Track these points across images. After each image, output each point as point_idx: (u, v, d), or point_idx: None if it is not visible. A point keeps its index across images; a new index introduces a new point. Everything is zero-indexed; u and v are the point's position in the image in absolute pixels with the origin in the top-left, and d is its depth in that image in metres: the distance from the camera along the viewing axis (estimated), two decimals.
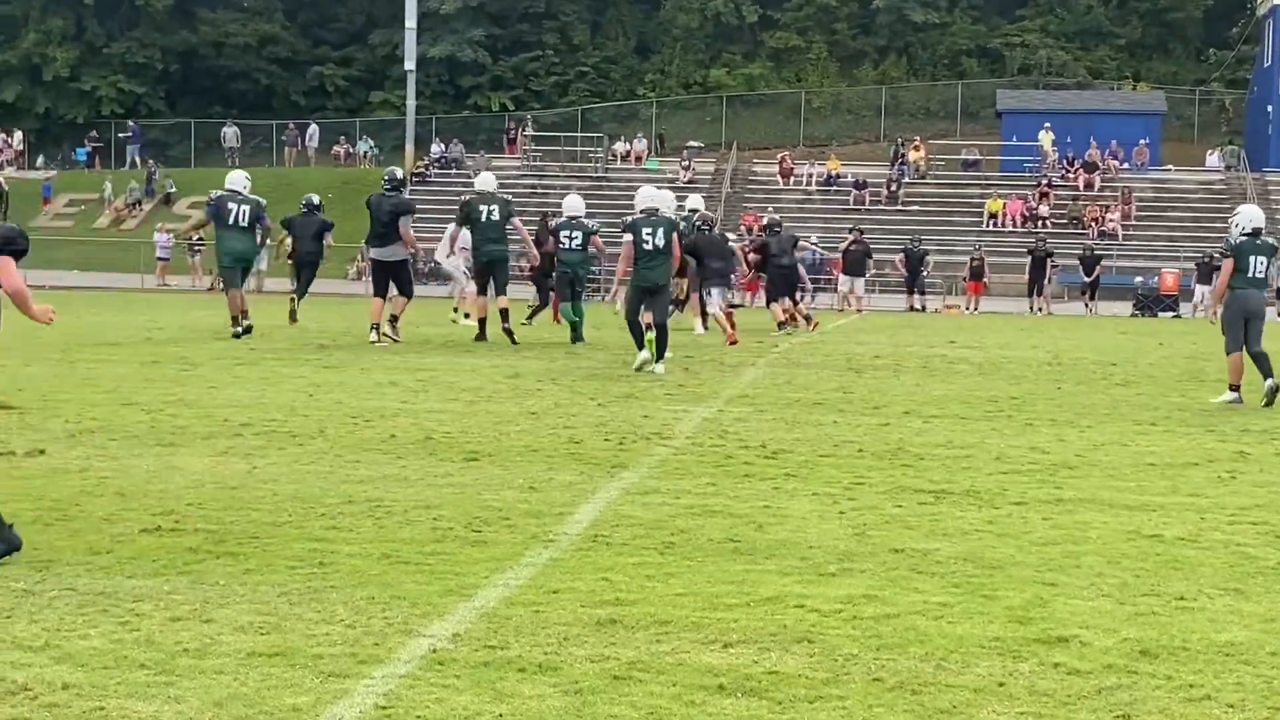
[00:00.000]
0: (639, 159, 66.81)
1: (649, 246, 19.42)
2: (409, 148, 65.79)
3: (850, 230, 47.47)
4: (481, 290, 24.46)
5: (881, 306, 46.91)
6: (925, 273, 48.17)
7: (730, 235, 33.58)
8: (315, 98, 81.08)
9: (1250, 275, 17.40)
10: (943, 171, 64.92)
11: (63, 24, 79.22)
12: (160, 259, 54.37)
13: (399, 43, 69.25)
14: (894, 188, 62.10)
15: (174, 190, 67.25)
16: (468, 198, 25.62)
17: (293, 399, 15.30)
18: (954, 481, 10.85)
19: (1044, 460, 12.11)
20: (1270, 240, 17.86)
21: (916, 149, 64.50)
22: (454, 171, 65.30)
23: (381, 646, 6.27)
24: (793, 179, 64.04)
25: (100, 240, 62.59)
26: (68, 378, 17.06)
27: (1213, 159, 64.54)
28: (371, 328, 23.20)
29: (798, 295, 31.43)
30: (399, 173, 25.36)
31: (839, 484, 10.62)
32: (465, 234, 26.11)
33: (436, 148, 68.50)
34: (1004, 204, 59.81)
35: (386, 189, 23.93)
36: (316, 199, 28.75)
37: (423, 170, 64.98)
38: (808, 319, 31.41)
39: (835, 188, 63.03)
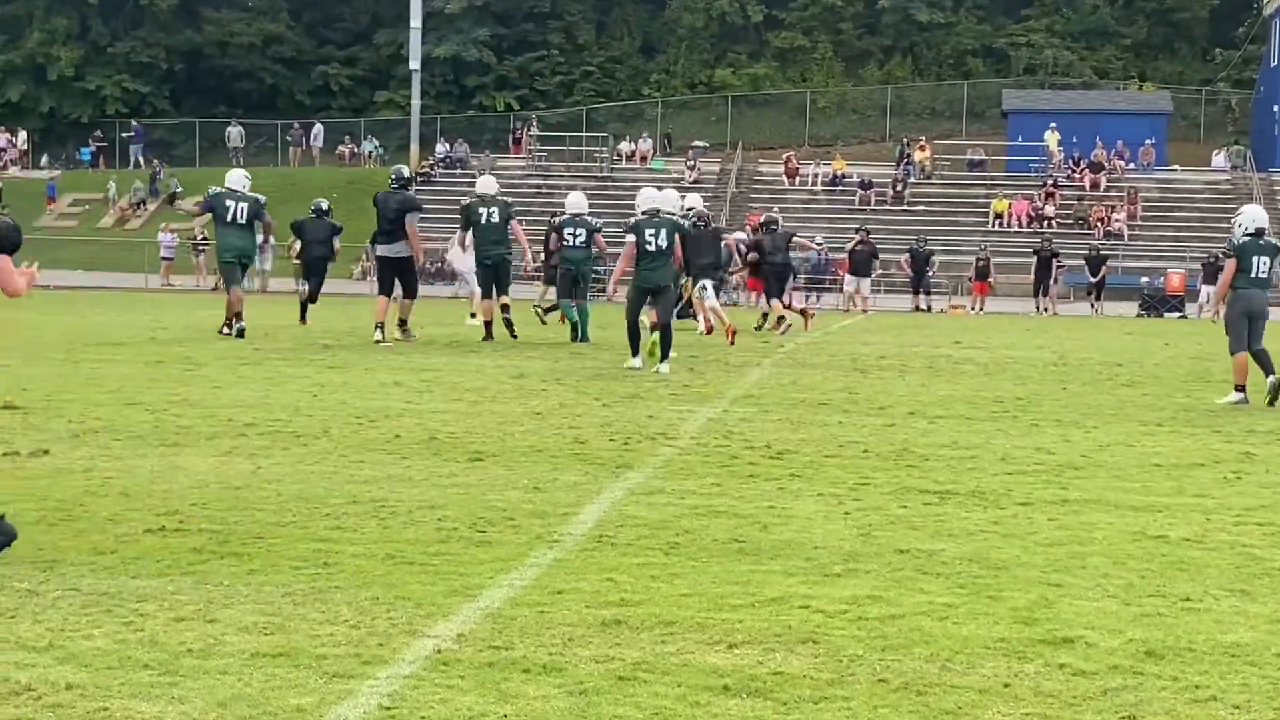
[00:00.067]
0: (644, 159, 66.83)
1: (651, 247, 19.50)
2: (414, 147, 65.83)
3: (857, 230, 47.47)
4: (486, 293, 24.54)
5: (887, 307, 46.91)
6: (930, 273, 48.17)
7: (740, 235, 33.63)
8: (320, 97, 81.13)
9: (1253, 275, 17.40)
10: (948, 171, 64.89)
11: (67, 23, 79.30)
12: (164, 259, 54.43)
13: (404, 42, 69.31)
14: (899, 188, 62.09)
15: (179, 190, 67.30)
16: (468, 201, 25.71)
17: (297, 399, 15.30)
18: (959, 482, 10.84)
19: (1049, 461, 12.10)
20: (1273, 240, 17.83)
21: (922, 149, 64.47)
22: (459, 171, 65.31)
23: (386, 647, 6.27)
24: (798, 179, 64.03)
25: (104, 240, 62.62)
26: (72, 378, 17.06)
27: (1219, 159, 64.49)
28: (376, 327, 23.20)
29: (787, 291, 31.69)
30: (406, 171, 25.43)
31: (844, 484, 10.61)
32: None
33: (441, 147, 68.52)
34: (1009, 204, 59.79)
35: (393, 186, 24.00)
36: (325, 203, 28.82)
37: (427, 170, 64.98)
38: (804, 314, 31.49)
39: (840, 188, 63.02)
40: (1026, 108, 67.64)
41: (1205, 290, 44.97)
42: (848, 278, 46.20)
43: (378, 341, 22.86)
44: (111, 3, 79.51)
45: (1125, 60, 79.24)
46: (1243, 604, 7.35)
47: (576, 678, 5.90)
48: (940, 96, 76.94)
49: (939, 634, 6.63)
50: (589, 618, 6.79)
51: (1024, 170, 63.80)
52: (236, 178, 24.76)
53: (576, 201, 25.60)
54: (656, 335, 19.71)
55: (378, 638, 6.40)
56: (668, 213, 20.25)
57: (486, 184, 25.23)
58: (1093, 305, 48.04)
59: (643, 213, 19.81)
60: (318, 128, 73.10)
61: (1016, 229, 58.66)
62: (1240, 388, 17.13)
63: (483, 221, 23.99)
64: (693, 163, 64.66)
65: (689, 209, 27.58)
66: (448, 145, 68.75)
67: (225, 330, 24.28)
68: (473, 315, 28.27)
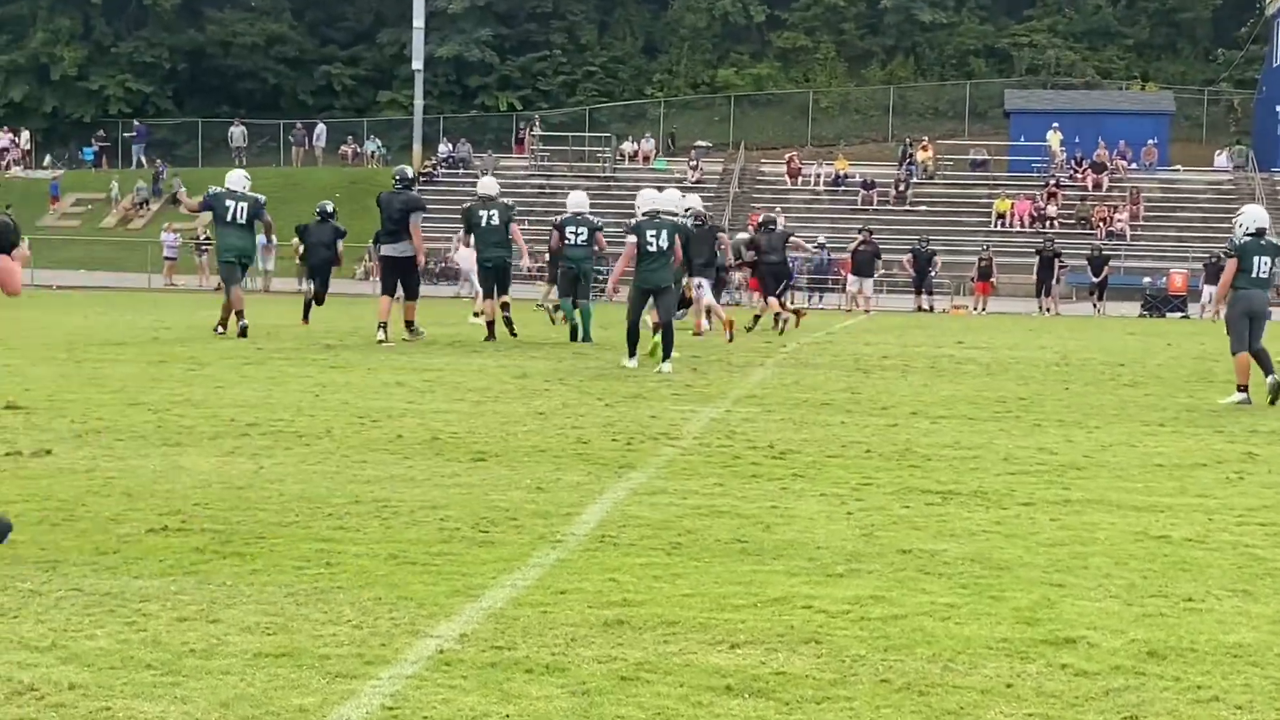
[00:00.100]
0: (647, 159, 66.83)
1: (653, 249, 19.62)
2: (416, 147, 65.85)
3: (860, 230, 47.48)
4: (488, 293, 24.60)
5: (889, 307, 46.90)
6: (933, 273, 48.16)
7: (742, 235, 33.63)
8: (323, 97, 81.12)
9: (1254, 275, 17.41)
10: (951, 172, 64.89)
11: (70, 23, 79.30)
12: (167, 259, 54.48)
13: (406, 42, 69.32)
14: (902, 188, 62.09)
15: (182, 190, 67.26)
16: (468, 204, 25.79)
17: (299, 399, 15.30)
18: (962, 482, 10.84)
19: (1052, 461, 12.10)
20: (1275, 240, 17.84)
21: (924, 149, 64.47)
22: (461, 171, 65.32)
23: (388, 647, 6.27)
24: (800, 179, 64.04)
25: (107, 240, 62.64)
26: (74, 377, 17.06)
27: (1221, 159, 64.45)
28: (379, 326, 23.21)
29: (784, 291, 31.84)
30: (409, 171, 25.49)
31: (847, 484, 10.61)
32: None
33: (444, 147, 68.53)
34: (1012, 204, 59.78)
35: (397, 187, 24.05)
36: (330, 206, 28.90)
37: (430, 170, 64.97)
38: (796, 313, 31.51)
39: (843, 188, 63.03)
40: (1029, 108, 67.62)
41: (1207, 290, 44.96)
42: (850, 278, 46.21)
43: (380, 341, 22.87)
44: (115, 3, 79.51)
45: (1128, 60, 79.20)
46: (1245, 604, 7.35)
47: (579, 678, 5.91)
48: (943, 96, 76.91)
49: (941, 634, 6.63)
50: (591, 618, 6.79)
51: (1026, 170, 63.78)
52: (236, 178, 24.80)
53: (578, 200, 25.64)
54: (659, 336, 19.76)
55: (380, 638, 6.41)
56: (668, 213, 20.37)
57: (487, 185, 25.33)
58: (1095, 305, 48.03)
59: (643, 214, 19.92)
60: (320, 128, 73.10)
61: (1019, 229, 58.66)
62: (1242, 388, 17.13)
63: (483, 224, 24.12)
64: (695, 163, 64.68)
65: (686, 209, 27.66)
66: (450, 145, 68.76)
67: (220, 330, 24.31)
68: (476, 314, 28.32)
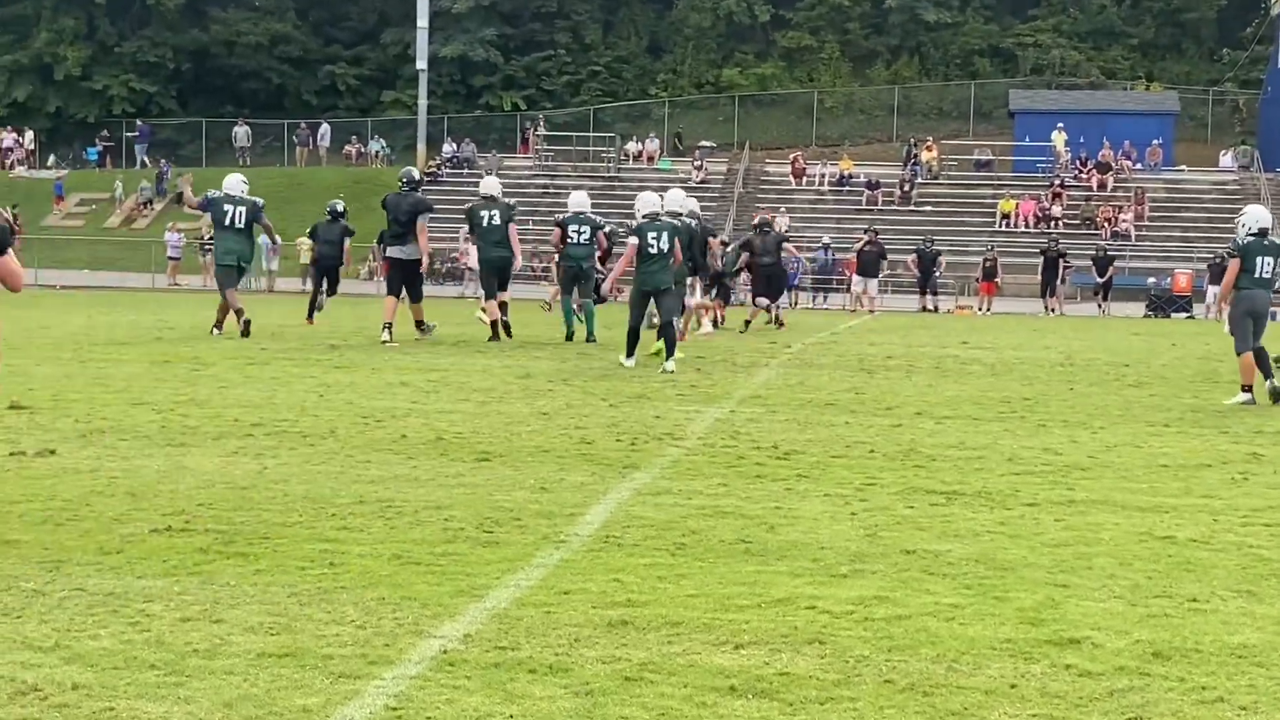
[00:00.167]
0: (651, 159, 66.81)
1: (654, 250, 19.75)
2: (421, 147, 65.83)
3: (865, 230, 47.47)
4: (490, 293, 24.63)
5: (894, 307, 46.88)
6: (938, 273, 48.12)
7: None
8: (327, 97, 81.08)
9: (1257, 275, 17.44)
10: (955, 172, 64.86)
11: (74, 23, 79.28)
12: (171, 258, 54.48)
13: (410, 42, 69.27)
14: (906, 188, 62.05)
15: (188, 186, 67.15)
16: (471, 204, 25.87)
17: (304, 399, 15.30)
18: (966, 483, 10.84)
19: (1056, 461, 12.09)
20: (1278, 240, 17.84)
21: (929, 149, 64.44)
22: (466, 171, 65.30)
23: (392, 647, 6.27)
24: (805, 179, 64.02)
25: (111, 240, 62.65)
26: (78, 377, 17.07)
27: (1226, 159, 64.40)
28: (384, 327, 23.23)
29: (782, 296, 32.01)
30: (415, 173, 25.52)
31: (851, 485, 10.61)
32: None
33: (448, 147, 68.51)
34: (1017, 204, 59.74)
35: (404, 188, 24.09)
36: (341, 205, 28.99)
37: (435, 170, 64.96)
38: (779, 321, 31.48)
39: (848, 188, 63.00)
40: (1034, 108, 67.57)
41: (1212, 291, 44.93)
42: (855, 278, 46.18)
43: (385, 342, 22.88)
44: (118, 2, 79.49)
45: (1132, 60, 79.10)
46: (1250, 605, 7.34)
47: (583, 678, 5.91)
48: (947, 97, 76.87)
49: (945, 634, 6.63)
50: (595, 618, 6.79)
51: (1031, 170, 63.75)
52: (234, 182, 24.88)
53: (579, 200, 25.77)
54: (662, 340, 19.84)
55: (384, 638, 6.41)
56: (673, 214, 20.54)
57: (489, 185, 25.40)
58: (1100, 306, 47.99)
59: (643, 216, 20.07)
60: (324, 127, 73.09)
61: (1023, 229, 58.63)
62: (1247, 388, 17.13)
63: (484, 224, 24.22)
64: (699, 163, 64.66)
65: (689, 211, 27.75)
66: (454, 145, 68.75)
67: (216, 331, 24.33)
68: (483, 310, 28.41)
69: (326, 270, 28.43)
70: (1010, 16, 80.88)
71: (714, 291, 29.60)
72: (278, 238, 30.43)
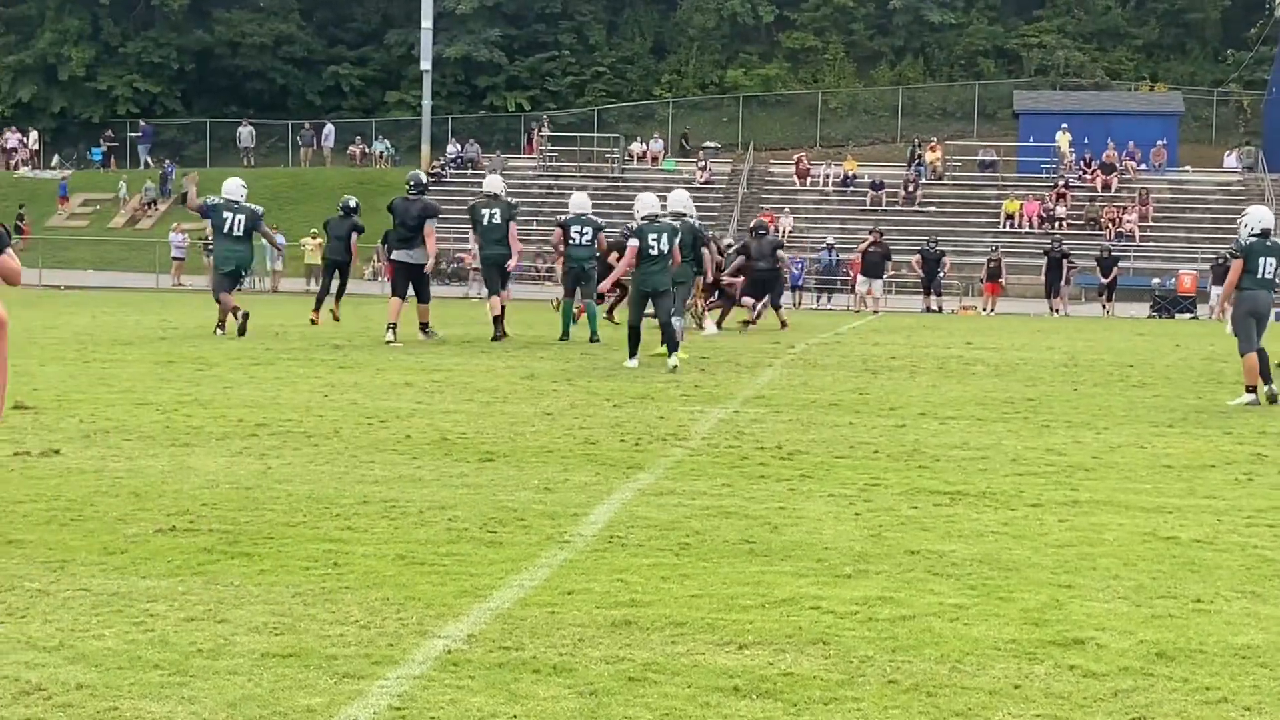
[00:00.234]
0: (655, 160, 66.80)
1: (654, 252, 19.85)
2: (425, 148, 65.82)
3: (870, 231, 47.46)
4: (493, 290, 24.67)
5: (898, 307, 46.87)
6: (942, 274, 48.11)
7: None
8: (331, 97, 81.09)
9: (1259, 276, 17.45)
10: (959, 172, 64.85)
11: (79, 24, 79.29)
12: (175, 258, 54.52)
13: (415, 42, 69.27)
14: (911, 188, 62.03)
15: (193, 187, 67.18)
16: (473, 202, 25.93)
17: (308, 399, 15.31)
18: (970, 483, 10.83)
19: (1060, 462, 12.09)
20: None
21: (933, 150, 64.44)
22: (470, 172, 65.29)
23: (396, 647, 6.27)
24: (809, 180, 63.99)
25: (115, 240, 62.71)
26: (82, 377, 17.08)
27: (1230, 160, 64.37)
28: (389, 327, 23.25)
29: (780, 299, 32.01)
30: (423, 176, 25.52)
31: (854, 485, 10.61)
32: None
33: (452, 148, 68.52)
34: (1021, 205, 59.72)
35: (411, 193, 24.11)
36: (354, 202, 29.01)
37: (439, 170, 64.97)
38: (783, 323, 31.45)
39: (852, 188, 62.99)
40: (1038, 109, 67.55)
41: (1215, 291, 44.92)
42: (859, 278, 46.19)
43: (389, 342, 22.89)
44: (123, 3, 79.51)
45: (1137, 61, 79.05)
46: (1254, 606, 7.34)
47: (587, 678, 5.91)
48: (952, 97, 76.83)
49: (949, 635, 6.63)
50: (599, 618, 6.79)
51: (1035, 171, 63.73)
52: (233, 187, 24.89)
53: (580, 201, 25.89)
54: (665, 345, 19.90)
55: (388, 638, 6.41)
56: (675, 215, 20.69)
57: (493, 184, 25.49)
58: (1104, 306, 47.98)
59: (643, 217, 20.18)
60: (329, 128, 73.12)
61: (1028, 230, 58.61)
62: (1251, 389, 17.12)
63: (485, 222, 24.29)
64: (704, 163, 64.66)
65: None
66: (459, 146, 68.75)
67: (219, 331, 24.34)
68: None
69: (336, 265, 28.48)
70: (1015, 17, 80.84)
71: (715, 294, 29.64)
72: (280, 241, 30.45)
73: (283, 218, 54.61)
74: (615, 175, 64.35)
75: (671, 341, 19.87)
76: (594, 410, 14.89)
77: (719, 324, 29.47)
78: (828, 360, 22.47)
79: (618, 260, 22.06)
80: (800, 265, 50.09)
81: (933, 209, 61.05)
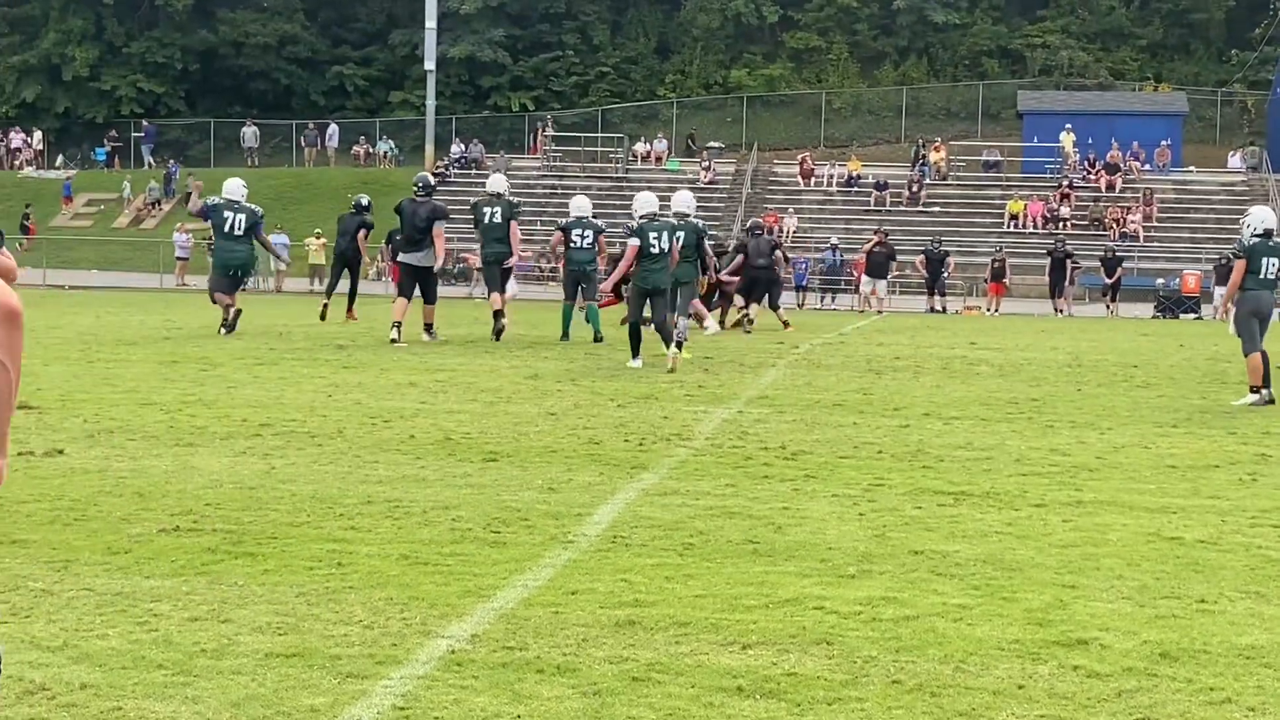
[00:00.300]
0: (659, 160, 66.80)
1: (655, 250, 19.92)
2: (429, 148, 65.82)
3: (875, 231, 47.45)
4: (493, 288, 24.69)
5: (902, 308, 46.86)
6: (946, 274, 48.09)
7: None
8: (335, 97, 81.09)
9: (1262, 276, 17.47)
10: (963, 173, 64.80)
11: (82, 24, 79.30)
12: (180, 259, 54.49)
13: (419, 43, 69.29)
14: (915, 189, 61.99)
15: (196, 192, 67.21)
16: (475, 200, 25.96)
17: (312, 399, 15.31)
18: (974, 483, 10.83)
19: (1064, 462, 12.08)
20: None
21: (937, 150, 64.39)
22: (474, 172, 65.27)
23: (399, 647, 6.27)
24: (813, 180, 63.95)
25: (119, 240, 62.72)
26: (86, 377, 17.09)
27: (1234, 160, 64.30)
28: (393, 326, 23.24)
29: (778, 299, 32.09)
30: (430, 178, 25.53)
31: (858, 485, 10.61)
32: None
33: (456, 148, 68.52)
34: (1025, 205, 59.68)
35: (419, 195, 24.12)
36: (366, 200, 29.07)
37: (443, 170, 64.97)
38: (785, 323, 31.41)
39: (856, 189, 62.94)
40: (1042, 109, 67.50)
41: (1218, 292, 44.88)
42: (864, 279, 46.18)
43: (393, 340, 22.89)
44: (127, 3, 79.53)
45: (1141, 61, 79.01)
46: (1258, 606, 7.34)
47: (590, 678, 5.91)
48: (956, 97, 76.80)
49: (953, 635, 6.63)
50: (603, 618, 6.79)
51: (1039, 171, 63.68)
52: (234, 187, 24.90)
53: (581, 204, 25.92)
54: (674, 349, 19.91)
55: (391, 638, 6.41)
56: (678, 215, 20.77)
57: (496, 183, 25.51)
58: (1108, 307, 47.96)
59: (642, 216, 20.24)
60: (333, 128, 73.10)
61: (1032, 230, 58.57)
62: (1256, 389, 17.11)
63: (486, 221, 24.34)
64: (708, 163, 64.64)
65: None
66: (463, 146, 68.76)
67: (223, 331, 24.35)
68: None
69: (347, 262, 28.53)
70: (1019, 17, 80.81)
71: (715, 295, 29.65)
72: (278, 247, 30.46)
73: (287, 218, 54.66)
74: (619, 175, 64.31)
75: (667, 338, 19.86)
76: (598, 410, 14.89)
77: (721, 322, 29.48)
78: (832, 360, 22.46)
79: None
80: (804, 265, 50.05)
81: (937, 209, 61.01)
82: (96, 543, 8.20)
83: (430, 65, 65.26)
